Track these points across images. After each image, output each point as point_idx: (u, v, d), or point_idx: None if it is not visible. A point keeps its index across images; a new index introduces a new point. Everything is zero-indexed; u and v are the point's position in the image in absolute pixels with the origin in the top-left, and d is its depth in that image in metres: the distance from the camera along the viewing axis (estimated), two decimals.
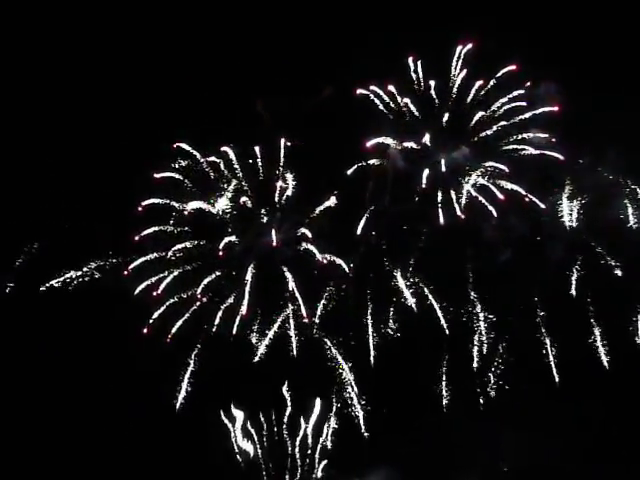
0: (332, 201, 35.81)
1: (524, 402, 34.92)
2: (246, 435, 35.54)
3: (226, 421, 35.56)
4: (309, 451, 35.60)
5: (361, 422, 35.32)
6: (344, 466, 35.66)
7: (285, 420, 35.65)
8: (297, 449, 35.59)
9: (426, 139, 37.66)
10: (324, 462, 35.57)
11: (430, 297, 34.93)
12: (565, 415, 34.60)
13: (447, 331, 34.68)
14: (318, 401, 35.75)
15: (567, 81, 37.17)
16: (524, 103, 37.60)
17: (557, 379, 34.80)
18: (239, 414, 35.62)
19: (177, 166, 36.39)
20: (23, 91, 37.11)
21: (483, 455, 35.49)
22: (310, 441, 35.65)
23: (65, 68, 37.49)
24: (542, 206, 35.54)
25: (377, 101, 38.31)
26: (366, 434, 35.21)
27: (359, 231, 35.84)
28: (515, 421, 34.81)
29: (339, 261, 35.27)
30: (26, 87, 37.16)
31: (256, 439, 35.52)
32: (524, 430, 34.58)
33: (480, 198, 36.12)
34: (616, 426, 35.03)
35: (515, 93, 37.72)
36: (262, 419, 35.58)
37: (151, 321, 34.59)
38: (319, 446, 35.62)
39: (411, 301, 34.90)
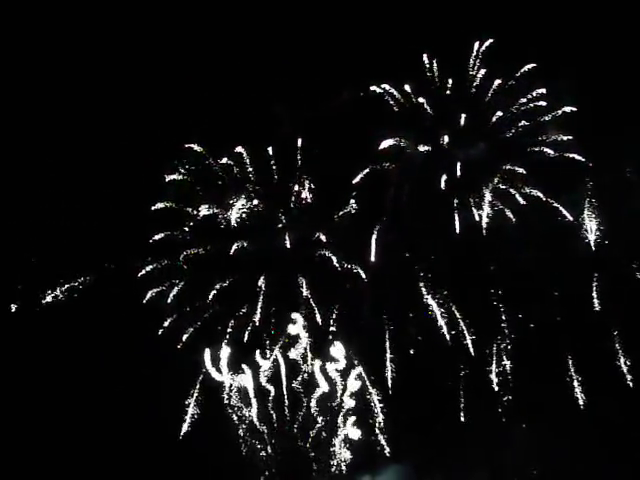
0: (351, 206, 34.98)
1: (541, 408, 34.21)
2: (256, 434, 34.71)
3: (235, 419, 34.68)
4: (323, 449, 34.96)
5: (378, 426, 34.49)
6: (356, 464, 34.94)
7: (299, 418, 34.86)
8: (309, 446, 34.91)
9: (443, 140, 36.76)
10: (336, 460, 34.74)
11: (452, 306, 34.19)
12: (582, 419, 33.86)
13: (470, 343, 33.87)
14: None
15: (585, 79, 36.36)
16: (543, 103, 36.78)
17: (579, 391, 33.95)
18: (249, 412, 34.75)
19: (189, 168, 35.45)
20: (35, 97, 36.49)
21: (496, 456, 34.84)
22: (323, 438, 34.90)
23: (79, 72, 36.96)
24: (569, 218, 34.63)
25: (392, 101, 37.49)
26: (382, 437, 34.32)
27: (372, 257, 35.03)
28: (530, 424, 34.48)
29: (356, 267, 34.43)
30: (39, 94, 36.56)
31: (266, 438, 34.72)
32: (538, 433, 34.11)
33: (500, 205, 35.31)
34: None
35: (534, 93, 36.86)
36: (274, 417, 34.77)
37: (161, 331, 33.73)
38: (332, 444, 34.78)
39: (436, 310, 34.09)
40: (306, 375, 34.67)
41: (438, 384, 34.94)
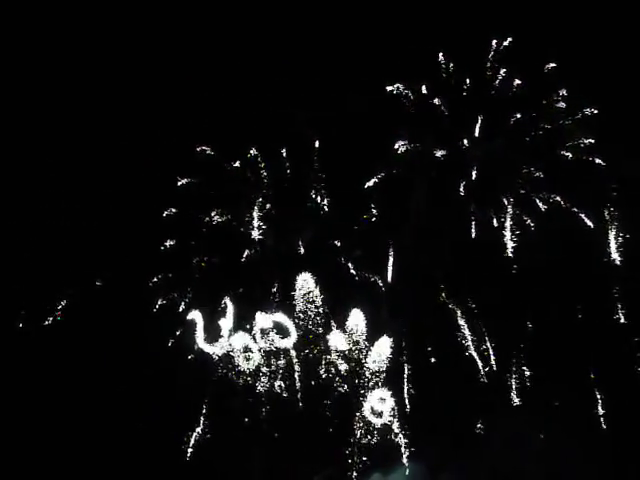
0: (370, 212, 34.26)
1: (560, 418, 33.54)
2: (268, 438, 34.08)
3: (246, 420, 34.16)
4: None
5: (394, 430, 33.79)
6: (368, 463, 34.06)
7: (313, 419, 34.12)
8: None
9: (461, 143, 35.93)
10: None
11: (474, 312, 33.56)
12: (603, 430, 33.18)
13: (491, 351, 33.18)
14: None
15: (607, 80, 35.43)
16: (564, 104, 35.91)
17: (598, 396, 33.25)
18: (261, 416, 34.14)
19: (201, 171, 34.76)
20: (47, 103, 35.96)
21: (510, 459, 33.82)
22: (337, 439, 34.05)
23: (91, 77, 36.36)
24: (589, 223, 33.77)
25: (407, 103, 36.62)
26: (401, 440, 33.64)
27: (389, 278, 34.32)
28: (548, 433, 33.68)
29: (373, 275, 33.76)
30: (51, 100, 35.97)
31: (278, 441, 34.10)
32: (556, 441, 33.39)
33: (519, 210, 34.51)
34: None
35: (554, 94, 35.94)
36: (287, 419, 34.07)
37: (172, 341, 33.15)
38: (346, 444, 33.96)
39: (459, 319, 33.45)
40: (321, 380, 33.97)
41: (456, 392, 34.22)
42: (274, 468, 33.80)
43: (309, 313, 33.82)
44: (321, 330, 33.93)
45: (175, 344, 33.59)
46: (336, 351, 33.62)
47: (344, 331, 33.50)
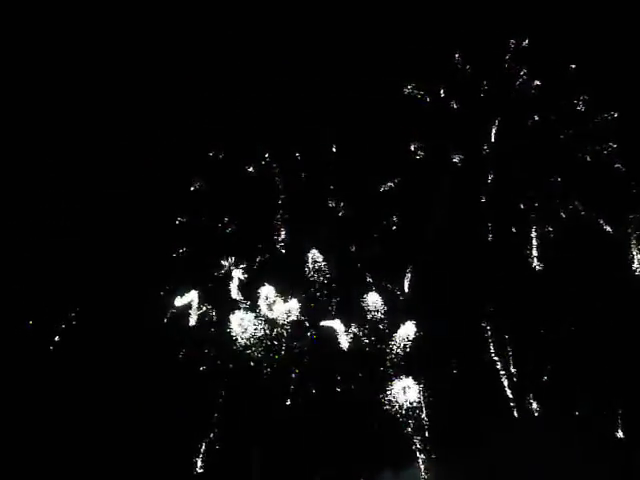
0: (392, 219, 33.60)
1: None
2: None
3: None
4: None
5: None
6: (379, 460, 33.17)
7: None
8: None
9: (478, 147, 35.21)
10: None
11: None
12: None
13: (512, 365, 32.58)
14: None
15: (629, 84, 34.81)
16: (583, 108, 35.27)
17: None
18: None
19: (214, 175, 34.00)
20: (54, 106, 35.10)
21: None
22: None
23: (104, 76, 35.52)
24: (610, 230, 33.12)
25: (423, 104, 35.86)
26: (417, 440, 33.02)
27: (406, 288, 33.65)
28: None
29: (393, 286, 33.05)
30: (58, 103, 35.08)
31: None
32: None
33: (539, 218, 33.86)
34: None
35: (574, 98, 35.28)
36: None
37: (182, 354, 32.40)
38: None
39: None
40: (334, 381, 33.15)
41: (473, 394, 33.52)
42: (274, 468, 33.33)
43: (323, 313, 33.18)
44: (335, 330, 33.26)
45: (185, 352, 32.80)
46: (350, 351, 33.06)
47: (358, 332, 32.94)
